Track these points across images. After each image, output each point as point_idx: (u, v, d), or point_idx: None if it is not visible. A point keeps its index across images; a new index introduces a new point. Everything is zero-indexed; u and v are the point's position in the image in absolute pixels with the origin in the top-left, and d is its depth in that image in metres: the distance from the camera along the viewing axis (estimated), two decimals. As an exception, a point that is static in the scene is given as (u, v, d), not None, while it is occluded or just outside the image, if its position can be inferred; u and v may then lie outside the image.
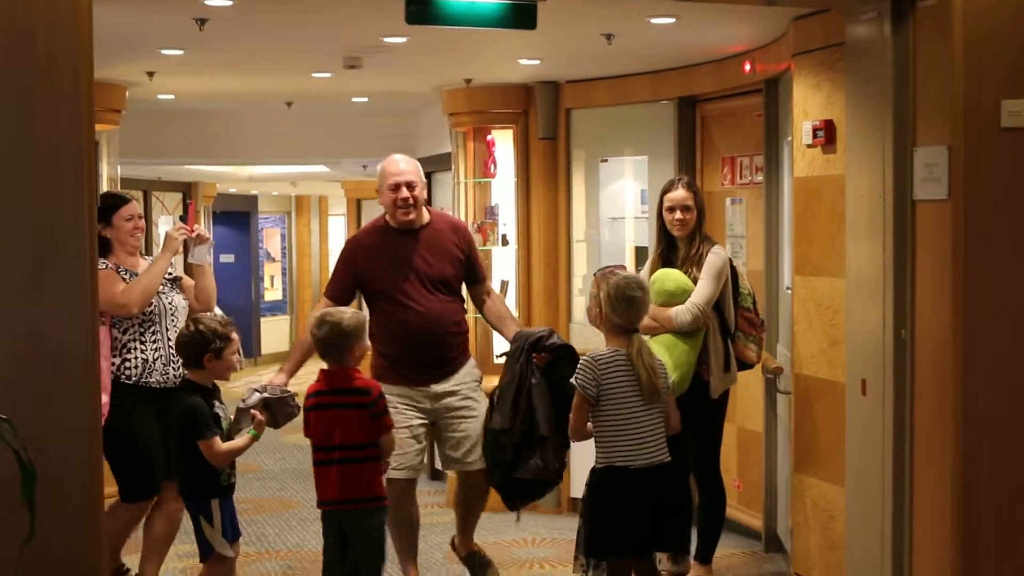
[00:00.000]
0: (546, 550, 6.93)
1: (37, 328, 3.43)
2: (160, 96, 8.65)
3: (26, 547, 2.91)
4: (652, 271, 5.89)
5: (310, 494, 5.17)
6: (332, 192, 17.34)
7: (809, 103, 5.64)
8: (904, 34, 4.77)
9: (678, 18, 5.68)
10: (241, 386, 5.31)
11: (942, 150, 4.47)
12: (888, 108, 4.83)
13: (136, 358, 5.45)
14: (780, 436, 6.46)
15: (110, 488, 4.82)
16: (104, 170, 7.97)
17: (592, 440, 4.91)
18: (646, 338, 5.12)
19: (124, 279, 5.50)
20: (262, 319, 17.77)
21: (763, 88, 6.63)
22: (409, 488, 5.62)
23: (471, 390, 5.67)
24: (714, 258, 5.78)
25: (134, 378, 5.44)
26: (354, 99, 9.23)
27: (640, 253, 7.75)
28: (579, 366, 4.88)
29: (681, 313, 5.64)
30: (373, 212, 5.92)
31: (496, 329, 5.96)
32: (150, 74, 7.41)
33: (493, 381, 5.69)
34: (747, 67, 6.65)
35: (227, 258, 16.99)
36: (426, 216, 5.70)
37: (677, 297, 5.68)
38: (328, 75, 7.60)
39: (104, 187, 7.80)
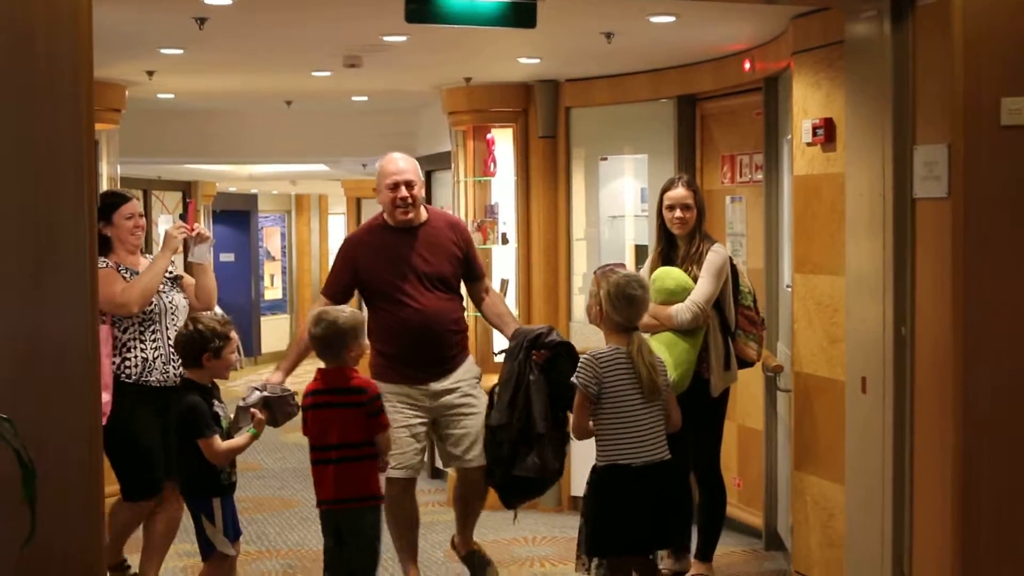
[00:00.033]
0: (546, 548, 6.93)
1: (37, 328, 3.43)
2: (160, 95, 8.65)
3: (27, 546, 2.91)
4: (652, 269, 5.89)
5: (311, 493, 5.18)
6: (332, 191, 17.34)
7: (809, 101, 5.64)
8: (904, 32, 4.77)
9: (678, 16, 5.68)
10: (241, 385, 5.31)
11: (942, 148, 4.47)
12: (888, 106, 4.83)
13: (136, 357, 5.46)
14: (780, 434, 6.46)
15: (111, 487, 4.82)
16: (104, 169, 7.97)
17: (592, 438, 4.91)
18: (646, 336, 5.13)
19: (124, 278, 5.50)
20: (262, 318, 17.78)
21: (763, 86, 6.63)
22: (409, 487, 5.62)
23: (470, 387, 5.67)
24: (714, 256, 5.78)
25: (134, 377, 5.44)
26: (354, 98, 9.23)
27: (640, 251, 7.75)
28: (580, 365, 4.88)
29: (681, 311, 5.64)
30: (373, 211, 5.92)
31: (495, 327, 5.96)
32: (150, 73, 7.42)
33: (493, 379, 5.69)
34: (747, 65, 6.65)
35: (227, 257, 17.00)
36: (424, 214, 5.69)
37: (677, 295, 5.68)
38: (328, 74, 7.60)
39: (104, 186, 7.80)
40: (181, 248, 5.75)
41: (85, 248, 3.49)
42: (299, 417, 5.07)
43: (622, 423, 4.81)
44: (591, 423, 4.87)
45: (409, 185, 5.56)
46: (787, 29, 5.86)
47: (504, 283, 8.22)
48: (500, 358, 5.72)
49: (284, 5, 5.63)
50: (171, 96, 8.82)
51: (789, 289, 6.09)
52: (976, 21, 4.34)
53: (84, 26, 3.49)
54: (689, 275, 5.76)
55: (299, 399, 5.06)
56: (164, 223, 13.51)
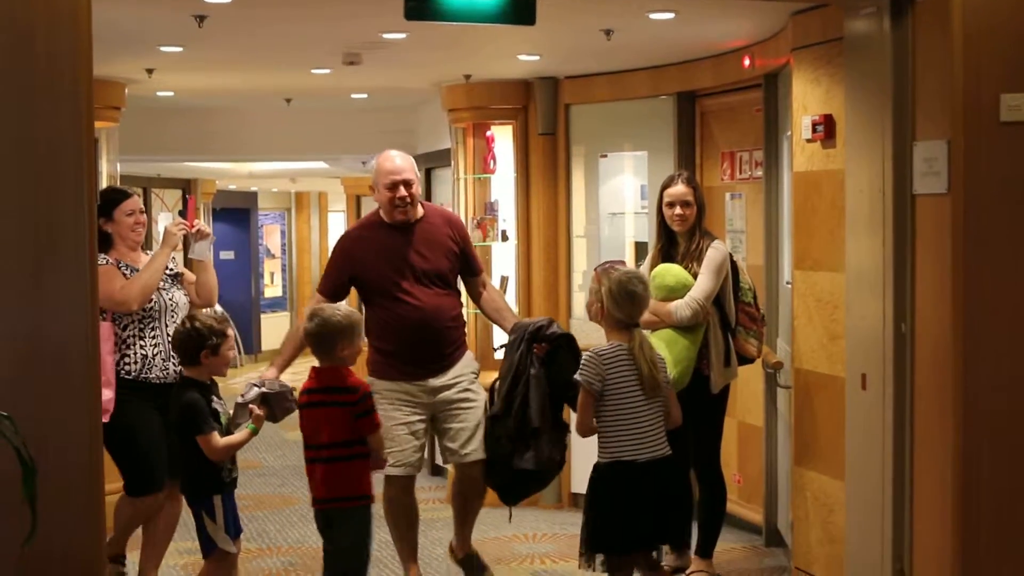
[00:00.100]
0: (547, 545, 6.94)
1: (37, 327, 3.43)
2: (159, 93, 8.65)
3: (27, 544, 2.92)
4: (652, 266, 5.89)
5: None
6: (332, 188, 17.35)
7: (808, 98, 5.64)
8: (903, 28, 4.77)
9: (677, 13, 5.68)
10: (241, 383, 5.31)
11: (941, 144, 4.47)
12: (887, 103, 4.83)
13: (136, 354, 5.46)
14: (780, 430, 6.46)
15: (112, 484, 4.82)
16: (104, 167, 7.97)
17: (593, 435, 4.92)
18: (646, 333, 5.13)
19: (124, 274, 5.50)
20: (262, 315, 17.79)
21: (762, 83, 6.63)
22: (408, 485, 5.61)
23: (469, 382, 5.65)
24: (714, 253, 5.78)
25: (134, 373, 5.44)
26: (353, 95, 9.24)
27: (640, 248, 7.75)
28: (583, 362, 4.88)
29: (681, 307, 5.64)
30: (372, 208, 5.92)
31: (493, 321, 5.95)
32: (149, 71, 7.41)
33: (492, 376, 5.69)
34: (746, 62, 6.65)
35: (227, 255, 17.01)
36: (420, 210, 5.68)
37: (677, 292, 5.68)
38: (327, 71, 7.60)
39: (104, 185, 7.80)
40: (181, 245, 5.74)
41: (85, 247, 3.50)
42: (298, 414, 5.07)
43: (625, 420, 4.82)
44: (594, 421, 4.87)
45: (408, 184, 5.55)
46: (787, 25, 5.86)
47: (504, 280, 8.22)
48: (500, 354, 5.71)
49: (283, 2, 5.62)
50: (171, 94, 8.82)
51: (789, 286, 6.09)
52: (975, 17, 4.34)
53: (84, 26, 3.49)
54: (689, 272, 5.76)
55: (298, 395, 5.06)
56: (164, 221, 13.52)
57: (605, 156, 8.08)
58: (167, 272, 5.61)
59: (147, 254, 5.71)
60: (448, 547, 5.91)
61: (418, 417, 5.57)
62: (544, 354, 5.42)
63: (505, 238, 8.19)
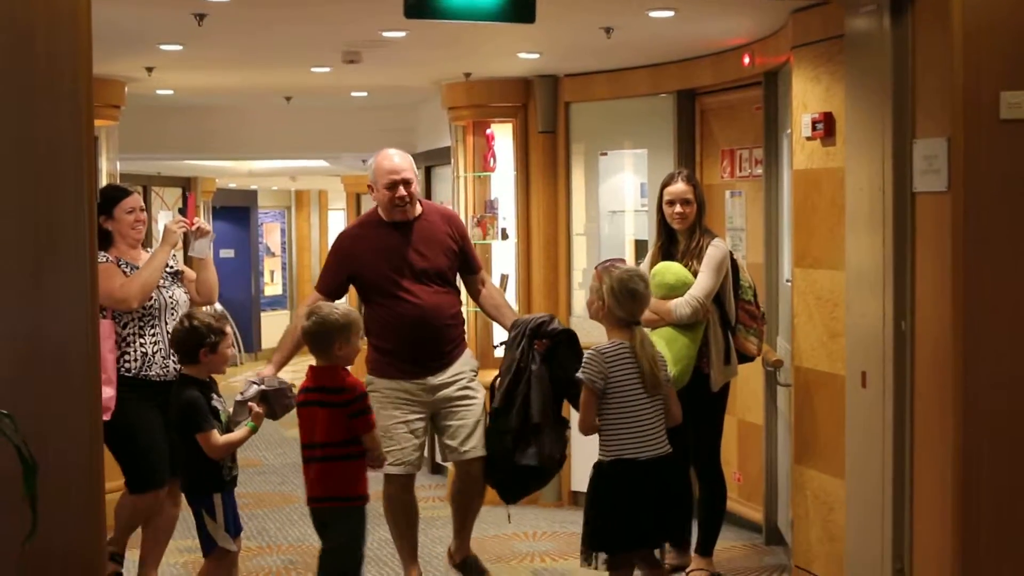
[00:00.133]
0: (547, 543, 6.94)
1: (37, 326, 3.43)
2: (159, 91, 8.65)
3: (28, 542, 2.92)
4: (652, 264, 5.89)
5: (310, 489, 5.19)
6: (332, 187, 17.35)
7: (808, 96, 5.64)
8: (903, 26, 4.77)
9: (677, 11, 5.68)
10: (241, 381, 5.30)
11: (941, 142, 4.47)
12: (887, 100, 4.83)
13: (136, 351, 5.46)
14: (780, 429, 6.46)
15: (112, 482, 4.82)
16: (103, 166, 7.97)
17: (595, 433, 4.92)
18: (646, 331, 5.13)
19: (124, 272, 5.50)
20: (262, 314, 17.80)
21: (762, 81, 6.63)
22: (408, 484, 5.61)
23: (469, 380, 5.65)
24: (714, 251, 5.79)
25: (133, 371, 5.45)
26: (353, 94, 9.23)
27: (640, 246, 7.75)
28: (585, 360, 4.88)
29: (681, 306, 5.64)
30: (372, 206, 5.92)
31: (493, 318, 5.94)
32: (149, 69, 7.41)
33: (492, 374, 5.68)
34: (746, 60, 6.65)
35: (227, 253, 17.02)
36: (418, 208, 5.67)
37: (677, 290, 5.68)
38: (327, 70, 7.60)
39: (104, 183, 7.79)
40: (181, 243, 5.73)
41: (85, 246, 3.49)
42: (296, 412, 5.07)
43: (627, 418, 4.82)
44: (596, 419, 4.87)
45: (407, 184, 5.54)
46: (787, 23, 5.86)
47: (504, 278, 8.22)
48: (500, 351, 5.70)
49: (283, 1, 5.62)
50: (170, 92, 8.82)
51: (789, 284, 6.09)
52: (975, 15, 4.34)
53: (84, 25, 3.49)
54: (689, 270, 5.77)
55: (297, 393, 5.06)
56: (164, 219, 13.52)
57: (605, 154, 8.08)
58: (167, 270, 5.61)
59: (147, 252, 5.71)
60: (447, 552, 5.87)
61: (418, 416, 5.56)
62: (545, 350, 5.41)
63: (505, 236, 8.19)
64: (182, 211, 10.51)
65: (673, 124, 7.41)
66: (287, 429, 9.86)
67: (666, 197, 5.91)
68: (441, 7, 4.83)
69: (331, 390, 4.86)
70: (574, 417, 5.41)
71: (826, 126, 5.46)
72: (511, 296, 7.89)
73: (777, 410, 6.53)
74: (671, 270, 5.75)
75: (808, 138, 5.60)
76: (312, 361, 4.99)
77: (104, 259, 5.41)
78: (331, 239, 18.67)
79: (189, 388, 4.87)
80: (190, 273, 5.79)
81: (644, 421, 4.84)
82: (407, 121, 10.19)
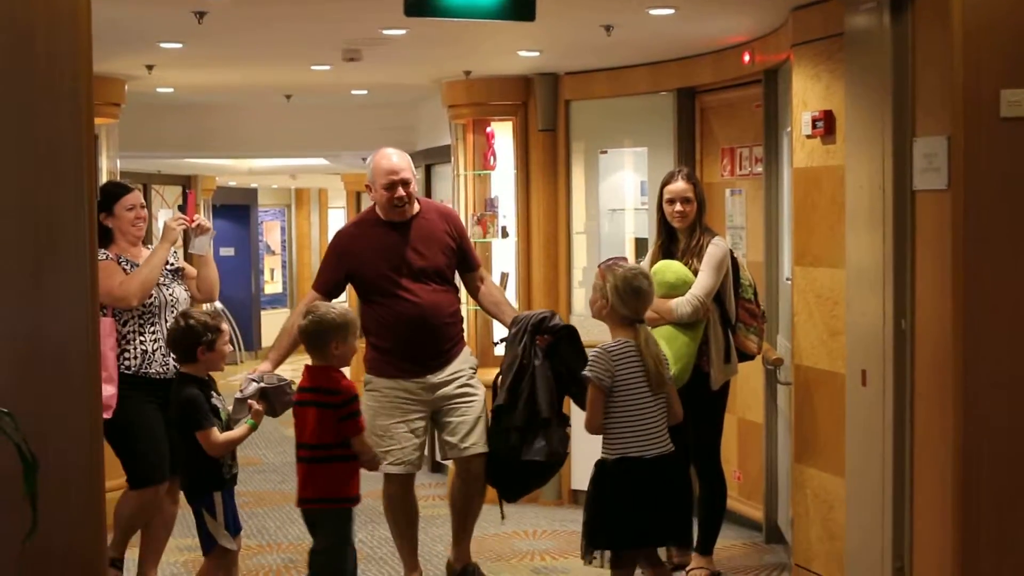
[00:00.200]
0: (547, 541, 6.94)
1: (38, 325, 3.43)
2: (159, 89, 8.65)
3: (28, 540, 2.92)
4: (652, 263, 5.89)
5: (310, 488, 5.19)
6: (332, 185, 17.35)
7: (808, 93, 5.64)
8: (903, 24, 4.77)
9: (677, 9, 5.68)
10: (241, 378, 5.30)
11: (941, 140, 4.47)
12: (887, 98, 4.83)
13: (136, 349, 5.46)
14: (780, 427, 6.46)
15: (112, 482, 4.82)
16: (104, 164, 7.97)
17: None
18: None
19: (125, 270, 5.50)
20: (262, 312, 17.80)
21: (762, 79, 6.63)
22: (407, 483, 5.60)
23: (468, 378, 5.64)
24: (715, 249, 5.79)
25: (133, 368, 5.45)
26: (353, 92, 9.23)
27: (640, 245, 7.75)
28: (591, 358, 4.88)
29: (681, 304, 5.64)
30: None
31: (492, 315, 5.93)
32: (149, 67, 7.41)
33: (491, 373, 5.68)
34: (746, 58, 6.65)
35: (227, 251, 17.01)
36: (416, 206, 5.66)
37: (677, 289, 5.68)
38: (327, 68, 7.60)
39: (104, 181, 7.80)
40: (180, 240, 5.73)
41: (85, 246, 3.49)
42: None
43: (632, 416, 4.82)
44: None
45: (406, 184, 5.52)
46: (787, 21, 5.86)
47: (504, 277, 8.22)
48: (500, 349, 5.69)
49: (283, -1, 5.63)
50: (171, 90, 8.82)
51: (789, 282, 6.09)
52: (976, 13, 4.34)
53: (84, 25, 3.48)
54: (689, 268, 5.77)
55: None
56: (164, 217, 13.52)
57: (605, 152, 8.08)
58: (168, 268, 5.61)
59: (148, 249, 5.71)
60: (447, 564, 5.82)
61: (418, 415, 5.56)
62: (546, 346, 5.40)
63: (505, 234, 8.18)
64: (182, 208, 10.49)
65: (673, 122, 7.41)
66: (287, 427, 9.81)
67: (666, 195, 5.91)
68: (441, 5, 4.83)
69: (325, 391, 4.86)
70: (574, 415, 5.41)
71: (826, 124, 5.46)
72: (511, 295, 7.89)
73: (777, 408, 6.53)
74: (671, 269, 5.75)
75: (808, 136, 5.60)
76: (308, 361, 4.99)
77: (104, 256, 5.41)
78: (331, 237, 18.69)
79: (188, 386, 4.87)
80: (191, 270, 5.79)
81: (649, 419, 4.84)
82: (407, 119, 10.19)
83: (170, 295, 5.59)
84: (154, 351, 5.48)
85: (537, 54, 7.14)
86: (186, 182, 14.60)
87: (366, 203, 15.03)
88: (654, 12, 5.72)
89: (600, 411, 4.85)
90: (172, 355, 5.36)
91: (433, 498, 7.89)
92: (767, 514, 6.70)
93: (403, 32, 6.20)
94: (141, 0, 5.50)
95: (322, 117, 10.42)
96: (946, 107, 4.45)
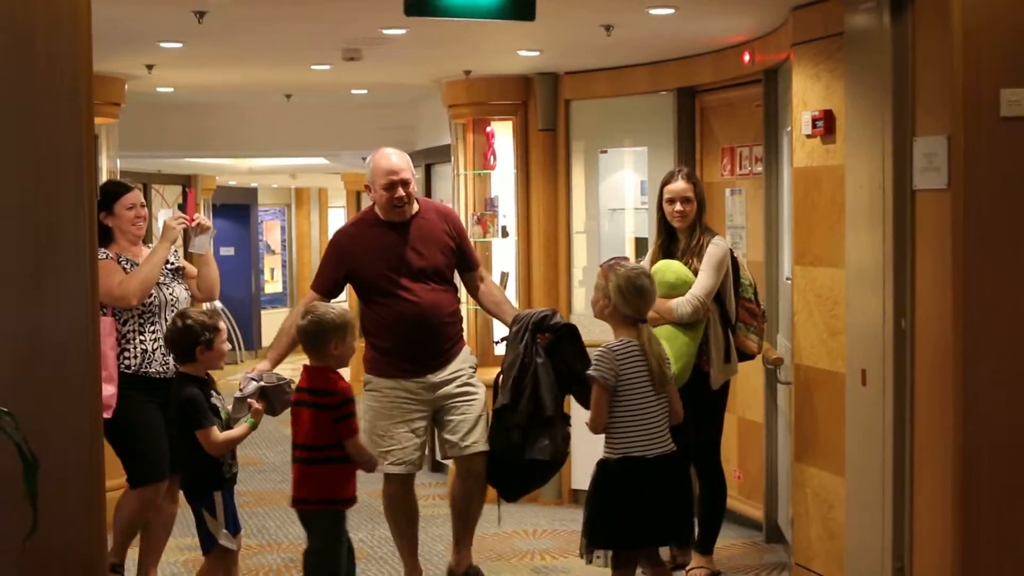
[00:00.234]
0: (547, 541, 6.94)
1: (38, 325, 3.43)
2: (159, 89, 8.64)
3: (29, 540, 2.92)
4: (652, 262, 5.89)
5: (310, 487, 5.18)
6: (332, 184, 17.35)
7: (808, 93, 5.64)
8: (903, 23, 4.77)
9: (677, 9, 5.68)
10: (240, 378, 5.30)
11: (941, 139, 4.47)
12: (887, 98, 4.83)
13: (136, 348, 5.47)
14: (781, 426, 6.46)
15: (112, 481, 4.82)
16: (104, 164, 7.97)
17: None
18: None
19: (125, 269, 5.50)
20: (262, 312, 17.80)
21: (762, 78, 6.63)
22: (408, 483, 5.60)
23: (468, 377, 5.63)
24: (715, 249, 5.79)
25: (133, 368, 5.45)
26: (353, 91, 9.23)
27: (640, 244, 7.75)
28: (596, 357, 4.88)
29: (682, 304, 5.64)
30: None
31: (493, 315, 5.92)
32: (149, 67, 7.41)
33: (491, 372, 5.68)
34: (746, 57, 6.65)
35: (227, 251, 17.01)
36: (415, 206, 5.66)
37: (677, 288, 5.68)
38: (327, 67, 7.60)
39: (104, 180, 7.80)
40: (180, 239, 5.73)
41: (85, 246, 3.49)
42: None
43: (635, 415, 4.83)
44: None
45: (405, 184, 5.52)
46: (787, 21, 5.86)
47: (504, 276, 8.22)
48: (501, 347, 5.68)
49: (283, -1, 5.63)
50: (171, 90, 8.82)
51: (789, 281, 6.09)
52: (976, 12, 4.34)
53: (84, 25, 3.49)
54: (689, 268, 5.77)
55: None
56: (164, 217, 13.51)
57: (605, 152, 8.08)
58: (168, 267, 5.61)
59: (148, 248, 5.71)
60: (447, 568, 5.79)
61: (419, 415, 5.55)
62: (547, 344, 5.40)
63: (505, 234, 8.18)
64: (182, 207, 10.49)
65: (673, 122, 7.41)
66: (287, 427, 9.78)
67: (666, 195, 5.91)
68: (441, 5, 4.83)
69: (321, 392, 4.86)
70: (574, 414, 5.41)
71: (826, 123, 5.46)
72: (511, 294, 7.89)
73: (777, 408, 6.53)
74: (671, 268, 5.75)
75: (808, 136, 5.60)
76: (306, 361, 4.99)
77: (104, 256, 5.41)
78: (331, 237, 18.68)
79: (188, 385, 4.87)
80: (191, 269, 5.79)
81: (651, 419, 4.85)
82: (407, 119, 10.19)
83: (170, 294, 5.59)
84: (154, 350, 5.48)
85: (537, 54, 7.14)
86: (186, 181, 14.60)
87: (366, 203, 15.01)
88: (654, 12, 5.72)
89: (605, 411, 4.85)
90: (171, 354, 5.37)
91: (433, 498, 7.89)
92: (767, 513, 6.70)
93: (403, 32, 6.20)
94: (141, 0, 5.50)
95: (322, 117, 10.42)
96: (946, 107, 4.46)
